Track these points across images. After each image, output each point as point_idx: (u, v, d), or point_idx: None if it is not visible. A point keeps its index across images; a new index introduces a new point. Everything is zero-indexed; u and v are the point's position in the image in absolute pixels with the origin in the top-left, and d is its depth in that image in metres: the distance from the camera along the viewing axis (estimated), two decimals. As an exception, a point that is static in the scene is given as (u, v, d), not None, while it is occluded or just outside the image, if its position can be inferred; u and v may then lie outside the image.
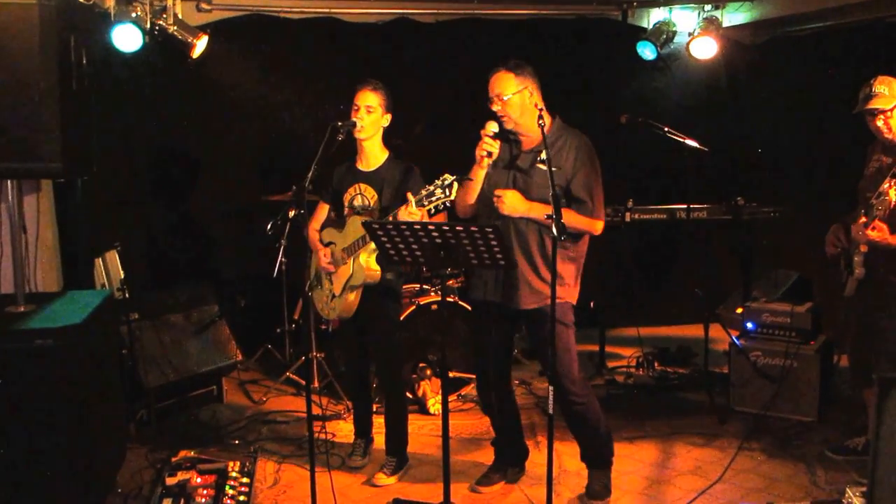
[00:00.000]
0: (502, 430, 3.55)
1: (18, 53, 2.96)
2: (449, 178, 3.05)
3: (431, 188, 3.09)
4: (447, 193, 3.07)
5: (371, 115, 3.44)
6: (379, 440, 3.84)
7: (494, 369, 3.42)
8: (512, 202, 3.11)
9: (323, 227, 3.70)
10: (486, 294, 3.28)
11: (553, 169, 3.06)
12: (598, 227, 3.21)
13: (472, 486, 3.50)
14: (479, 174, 3.21)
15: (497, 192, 3.13)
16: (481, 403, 3.68)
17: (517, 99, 3.13)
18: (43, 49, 2.98)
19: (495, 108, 3.16)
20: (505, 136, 3.22)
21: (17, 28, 2.95)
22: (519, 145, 3.25)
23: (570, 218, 3.09)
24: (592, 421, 3.31)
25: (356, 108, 3.45)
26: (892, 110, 3.25)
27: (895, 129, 3.28)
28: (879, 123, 3.29)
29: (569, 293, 3.24)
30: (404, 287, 4.61)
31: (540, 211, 3.10)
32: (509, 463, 3.56)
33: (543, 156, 2.94)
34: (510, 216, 3.14)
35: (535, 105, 3.11)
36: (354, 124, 3.43)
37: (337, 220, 3.67)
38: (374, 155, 3.55)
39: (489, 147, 3.10)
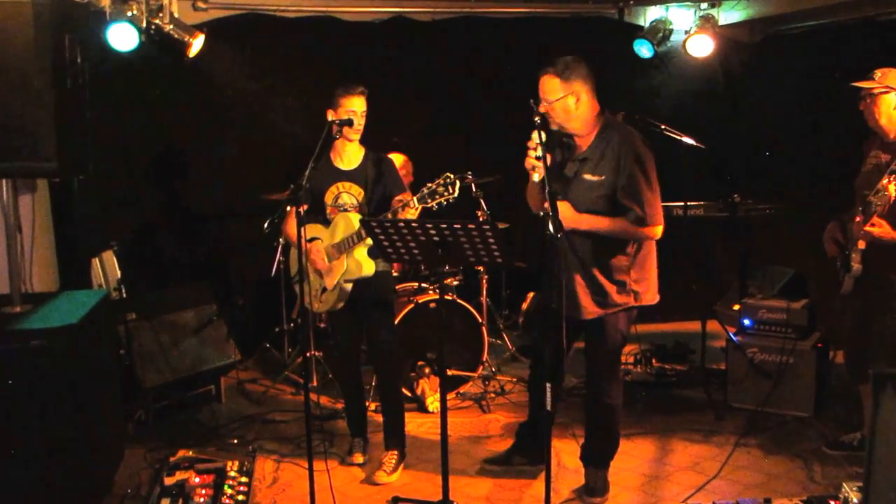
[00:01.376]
0: (537, 419, 3.53)
1: (12, 52, 2.95)
2: (451, 176, 3.07)
3: (434, 186, 3.11)
4: (450, 191, 3.09)
5: (363, 119, 3.52)
6: (375, 437, 3.85)
7: (553, 362, 3.39)
8: (564, 216, 2.95)
9: (300, 223, 3.56)
10: (555, 302, 3.19)
11: (597, 178, 3.04)
12: (653, 232, 3.09)
13: (482, 464, 3.61)
14: (534, 180, 3.09)
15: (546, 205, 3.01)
16: (529, 387, 3.72)
17: (560, 105, 3.05)
18: (37, 47, 2.97)
19: (542, 109, 3.06)
20: (560, 141, 3.17)
21: (11, 26, 2.95)
22: (572, 150, 3.19)
23: (619, 226, 3.05)
24: (613, 422, 3.34)
25: (352, 112, 3.48)
26: (878, 97, 3.26)
27: (879, 118, 3.29)
28: (862, 107, 3.31)
29: (628, 299, 3.17)
30: (403, 285, 4.63)
31: (588, 222, 3.05)
32: (521, 453, 3.57)
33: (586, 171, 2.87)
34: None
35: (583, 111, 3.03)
36: (351, 122, 3.48)
37: (318, 217, 3.64)
38: (354, 153, 3.62)
39: (531, 162, 2.94)
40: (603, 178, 3.06)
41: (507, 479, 3.56)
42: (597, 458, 3.40)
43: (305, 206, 3.59)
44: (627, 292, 3.16)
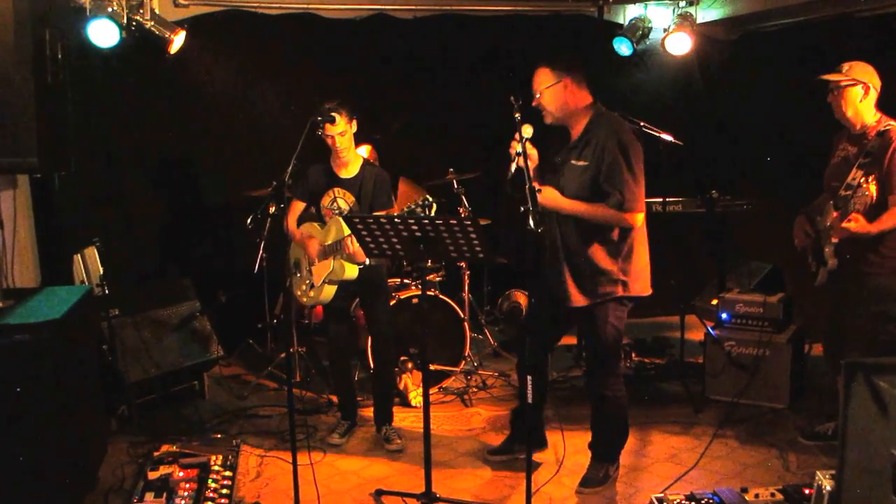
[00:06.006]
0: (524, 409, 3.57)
1: (-8, 47, 2.94)
2: (429, 199, 3.19)
3: (412, 206, 3.23)
4: (427, 213, 3.19)
5: (344, 137, 3.67)
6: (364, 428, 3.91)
7: (541, 345, 3.48)
8: (547, 197, 3.10)
9: (300, 220, 3.90)
10: (539, 293, 3.32)
11: (582, 163, 3.13)
12: (633, 219, 3.11)
13: (485, 455, 3.71)
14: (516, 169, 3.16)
15: (538, 187, 3.08)
16: (518, 371, 3.89)
17: (550, 93, 3.15)
18: (17, 42, 2.96)
19: (535, 103, 3.18)
20: (556, 130, 3.24)
21: (-8, 21, 2.93)
22: (566, 141, 3.26)
23: (599, 210, 3.10)
24: (614, 415, 3.40)
25: (329, 137, 3.64)
26: (844, 90, 3.33)
27: (846, 110, 3.35)
28: (830, 99, 3.38)
29: (615, 289, 3.20)
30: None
31: (570, 206, 3.13)
32: (521, 441, 3.60)
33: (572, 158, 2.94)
34: (552, 212, 3.17)
35: (569, 101, 3.13)
36: (333, 119, 3.59)
37: (317, 216, 3.88)
38: (351, 162, 3.78)
39: (515, 149, 3.03)
40: (587, 163, 3.14)
41: (490, 469, 3.60)
42: (599, 451, 3.46)
43: (301, 204, 3.88)
44: (614, 282, 3.19)
